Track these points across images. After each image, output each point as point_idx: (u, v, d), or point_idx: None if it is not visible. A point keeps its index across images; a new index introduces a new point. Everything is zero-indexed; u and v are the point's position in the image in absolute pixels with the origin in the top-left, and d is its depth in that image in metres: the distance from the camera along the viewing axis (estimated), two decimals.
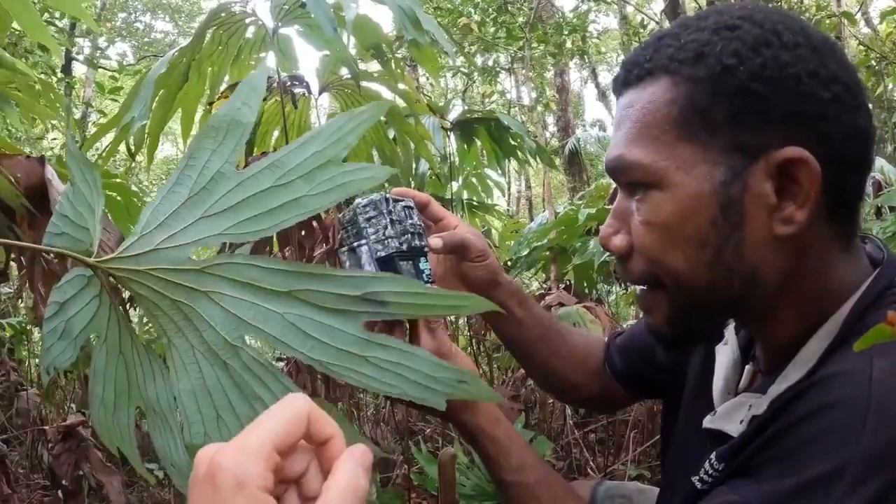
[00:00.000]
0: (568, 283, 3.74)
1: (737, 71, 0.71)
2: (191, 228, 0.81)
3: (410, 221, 0.97)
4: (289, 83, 2.20)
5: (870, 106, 0.76)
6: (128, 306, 1.81)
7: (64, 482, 1.93)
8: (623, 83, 0.80)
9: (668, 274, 0.78)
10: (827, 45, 0.74)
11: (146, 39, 13.82)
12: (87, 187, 0.86)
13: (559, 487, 0.95)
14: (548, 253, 3.68)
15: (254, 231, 0.81)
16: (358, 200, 0.96)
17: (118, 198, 2.29)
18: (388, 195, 0.96)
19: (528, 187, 13.39)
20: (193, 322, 0.81)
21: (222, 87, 2.15)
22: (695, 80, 0.73)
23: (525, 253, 4.06)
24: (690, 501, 0.80)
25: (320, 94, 2.24)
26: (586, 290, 3.53)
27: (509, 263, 4.31)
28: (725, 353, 0.92)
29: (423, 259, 0.98)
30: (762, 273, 0.75)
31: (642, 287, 0.83)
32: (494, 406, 0.96)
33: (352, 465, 0.47)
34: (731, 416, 0.82)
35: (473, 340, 3.66)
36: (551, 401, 3.37)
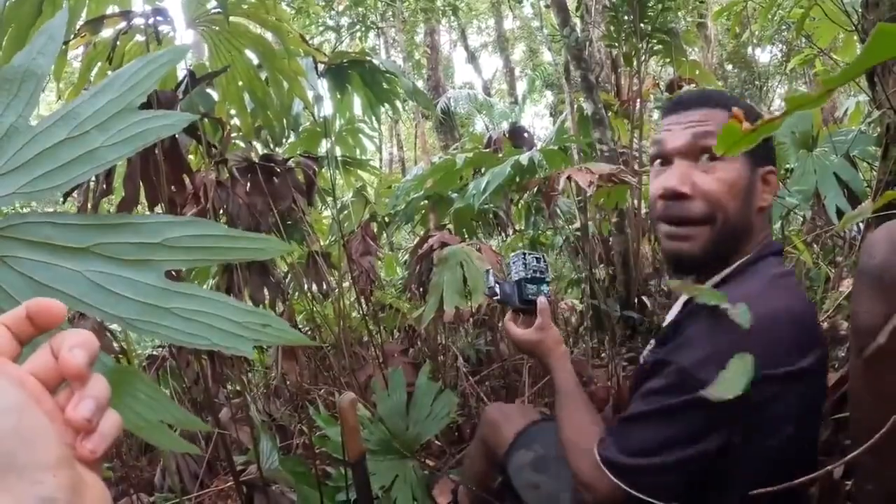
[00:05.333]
0: (448, 232, 3.75)
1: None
2: None
3: (535, 265, 1.70)
4: (151, 18, 2.06)
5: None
6: None
7: None
8: (689, 104, 1.34)
9: (723, 211, 1.27)
10: None
11: None
12: None
13: (578, 396, 1.50)
14: (426, 202, 3.67)
15: (48, 188, 0.77)
16: (511, 254, 1.75)
17: None
18: (526, 251, 1.73)
19: (401, 148, 13.37)
20: None
21: (80, 23, 2.00)
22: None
23: (402, 206, 4.04)
24: (639, 376, 1.33)
25: (187, 29, 2.12)
26: (466, 238, 3.56)
27: (387, 219, 4.27)
28: (676, 305, 1.46)
29: (544, 284, 1.69)
30: (749, 226, 1.30)
31: (683, 226, 1.30)
32: (563, 352, 1.58)
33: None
34: (670, 316, 1.43)
35: (360, 299, 3.62)
36: (442, 357, 3.41)
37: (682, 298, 1.41)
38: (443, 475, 2.29)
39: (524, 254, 1.73)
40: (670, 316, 1.45)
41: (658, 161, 1.36)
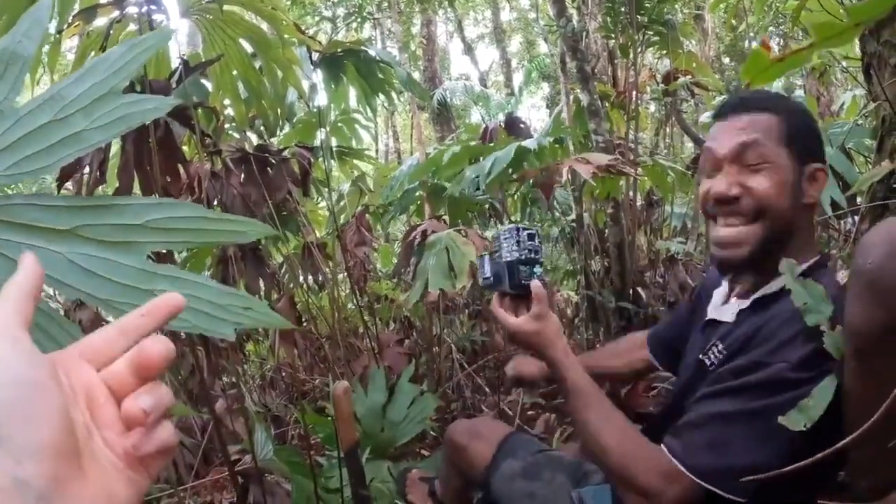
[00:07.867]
0: (444, 222, 3.74)
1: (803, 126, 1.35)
2: None
3: (530, 243, 1.47)
4: (144, 7, 2.05)
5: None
6: None
7: None
8: (734, 109, 1.37)
9: (773, 209, 1.30)
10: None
11: None
12: None
13: (600, 394, 1.41)
14: (422, 193, 3.67)
15: (33, 170, 0.77)
16: (502, 227, 1.38)
17: None
18: (519, 226, 1.47)
19: (397, 140, 13.33)
20: None
21: (74, 11, 1.98)
22: (787, 121, 1.33)
23: (398, 196, 4.02)
24: (699, 374, 1.37)
25: (181, 18, 2.10)
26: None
27: (381, 211, 4.26)
28: (720, 291, 1.53)
29: (538, 265, 1.47)
30: (797, 223, 1.33)
31: (737, 227, 1.34)
32: (565, 345, 1.44)
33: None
34: (725, 312, 1.42)
35: (356, 291, 3.62)
36: (437, 348, 3.41)
37: (735, 301, 1.43)
38: (411, 470, 2.29)
39: (517, 229, 1.48)
40: (727, 312, 1.42)
41: (709, 167, 1.40)
